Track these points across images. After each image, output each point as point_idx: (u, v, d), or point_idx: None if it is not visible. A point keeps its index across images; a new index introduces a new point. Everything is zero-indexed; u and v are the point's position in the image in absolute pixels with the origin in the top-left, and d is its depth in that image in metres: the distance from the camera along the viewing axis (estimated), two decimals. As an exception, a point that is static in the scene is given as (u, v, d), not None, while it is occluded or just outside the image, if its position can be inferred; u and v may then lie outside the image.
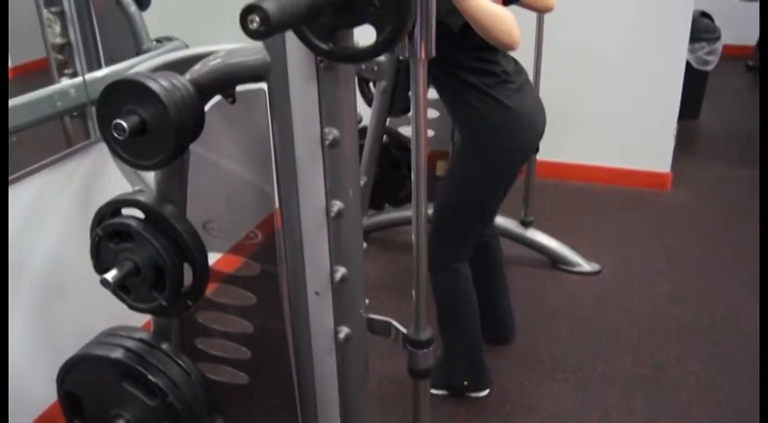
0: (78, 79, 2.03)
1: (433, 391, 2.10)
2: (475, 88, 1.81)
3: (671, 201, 3.49)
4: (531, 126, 1.91)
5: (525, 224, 2.88)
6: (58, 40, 2.03)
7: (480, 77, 1.80)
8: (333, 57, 0.87)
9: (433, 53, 0.94)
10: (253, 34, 0.68)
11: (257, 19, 0.68)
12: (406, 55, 0.93)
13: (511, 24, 1.62)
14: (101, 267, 1.02)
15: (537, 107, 1.95)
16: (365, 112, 2.18)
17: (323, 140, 0.98)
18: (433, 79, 1.93)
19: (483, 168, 1.92)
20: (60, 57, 2.05)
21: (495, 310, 2.33)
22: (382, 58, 2.16)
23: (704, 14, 4.31)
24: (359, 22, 0.83)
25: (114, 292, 1.02)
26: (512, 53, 1.92)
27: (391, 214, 2.99)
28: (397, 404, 2.11)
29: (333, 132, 0.97)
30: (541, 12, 2.29)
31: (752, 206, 3.28)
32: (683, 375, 2.21)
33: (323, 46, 0.85)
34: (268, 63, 0.94)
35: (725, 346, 2.34)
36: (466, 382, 2.11)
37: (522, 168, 2.04)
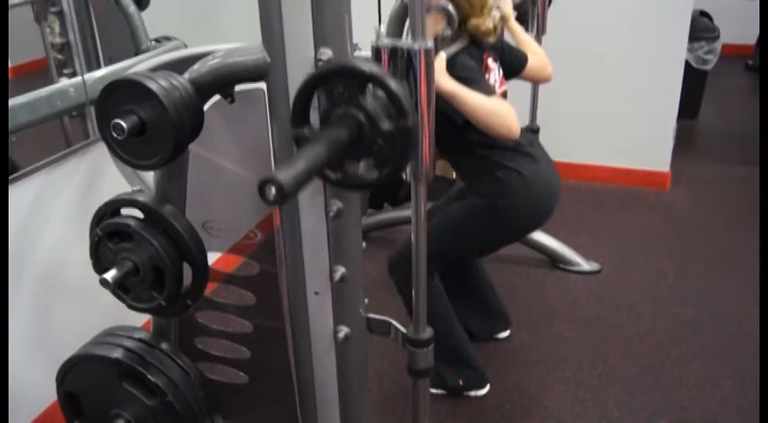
0: (77, 79, 2.03)
1: (433, 391, 2.10)
2: (494, 162, 1.86)
3: (670, 200, 3.49)
4: (548, 196, 1.96)
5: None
6: (58, 40, 2.03)
7: (497, 151, 1.84)
8: (341, 185, 0.94)
9: (432, 176, 1.02)
10: (270, 203, 0.76)
11: (273, 190, 0.74)
12: (408, 178, 1.01)
13: (508, 118, 1.69)
14: (100, 267, 1.02)
15: (553, 177, 1.99)
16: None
17: (322, 140, 0.98)
18: (450, 161, 1.95)
19: (491, 232, 1.96)
20: (60, 56, 2.05)
21: (485, 306, 2.35)
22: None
23: (703, 14, 4.30)
24: (364, 157, 0.90)
25: (113, 292, 1.02)
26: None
27: (391, 214, 2.99)
28: (396, 403, 2.11)
29: (332, 132, 0.97)
30: (541, 82, 2.37)
31: (751, 205, 3.28)
32: (683, 374, 2.21)
33: (332, 176, 0.92)
34: (267, 63, 0.94)
35: (725, 345, 2.34)
36: (461, 382, 2.11)
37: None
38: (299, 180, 0.76)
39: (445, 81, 1.63)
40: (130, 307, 1.04)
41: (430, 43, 0.93)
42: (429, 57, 0.93)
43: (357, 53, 1.02)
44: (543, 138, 2.73)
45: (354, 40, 0.98)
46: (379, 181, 0.90)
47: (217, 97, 0.97)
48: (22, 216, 1.84)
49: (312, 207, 1.03)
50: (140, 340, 1.11)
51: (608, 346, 2.36)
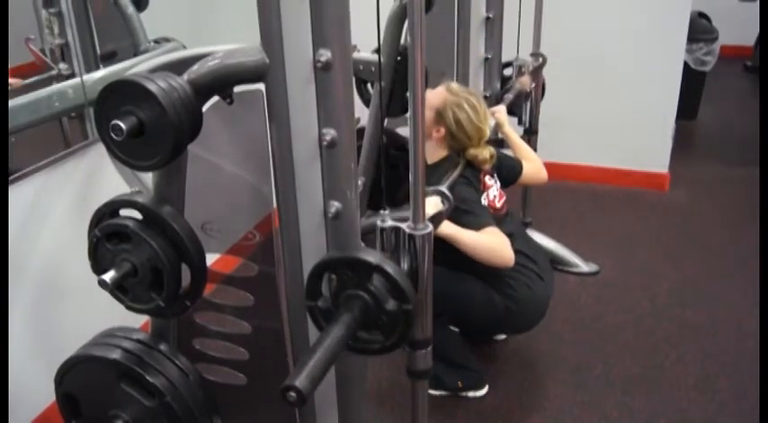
0: (76, 80, 2.03)
1: (432, 392, 2.10)
2: (506, 276, 1.96)
3: (669, 201, 3.49)
4: (541, 313, 2.09)
5: (524, 225, 2.88)
6: (57, 41, 2.03)
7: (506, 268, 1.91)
8: (352, 351, 1.04)
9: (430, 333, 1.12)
10: (291, 405, 0.85)
11: (294, 395, 0.84)
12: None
13: (500, 251, 1.83)
14: (98, 268, 1.02)
15: (549, 292, 2.11)
16: (363, 113, 2.18)
17: (321, 141, 0.98)
18: (466, 271, 2.03)
19: (484, 316, 2.02)
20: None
21: None
22: (378, 58, 2.16)
23: (702, 15, 4.31)
24: (370, 330, 1.01)
25: (112, 293, 1.02)
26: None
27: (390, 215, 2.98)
28: (395, 405, 2.10)
29: (330, 133, 0.97)
30: (537, 185, 2.50)
31: (750, 206, 3.29)
32: (682, 375, 2.21)
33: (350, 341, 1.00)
34: (266, 64, 0.94)
35: (724, 346, 2.34)
36: (460, 383, 2.12)
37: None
38: (315, 382, 0.87)
39: (443, 227, 1.73)
40: (129, 308, 1.04)
41: (429, 228, 1.04)
42: (429, 239, 1.04)
43: (356, 54, 1.02)
44: (543, 139, 2.74)
45: (353, 42, 0.98)
46: (381, 351, 1.03)
47: (216, 98, 0.97)
48: (21, 217, 1.84)
49: (311, 208, 1.04)
50: (139, 341, 1.11)
51: (607, 347, 2.36)
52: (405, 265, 1.05)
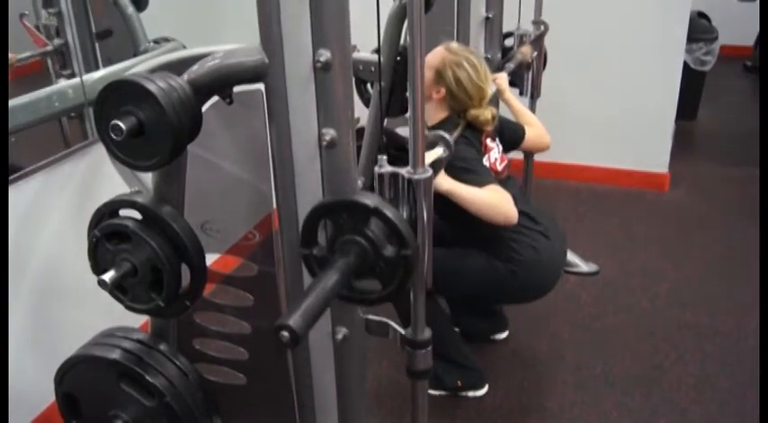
0: (76, 80, 2.03)
1: (432, 392, 2.10)
2: (509, 236, 1.90)
3: (669, 201, 3.49)
4: (554, 274, 2.01)
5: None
6: (56, 41, 2.03)
7: (509, 227, 1.86)
8: (349, 301, 1.01)
9: (431, 284, 1.10)
10: (284, 346, 0.82)
11: (287, 334, 0.81)
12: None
13: (504, 208, 1.77)
14: (98, 268, 1.02)
15: (561, 253, 2.04)
16: (363, 113, 2.18)
17: (320, 141, 0.98)
18: (463, 235, 2.00)
19: (488, 288, 1.98)
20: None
21: (484, 307, 2.35)
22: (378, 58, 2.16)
23: (701, 15, 4.31)
24: (368, 277, 0.97)
25: (111, 293, 1.02)
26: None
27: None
28: (394, 404, 2.10)
29: (330, 133, 0.97)
30: (539, 152, 2.42)
31: (750, 206, 3.29)
32: (682, 375, 2.21)
33: (342, 292, 0.97)
34: (265, 64, 0.94)
35: (724, 346, 2.34)
36: (459, 383, 2.12)
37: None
38: (309, 322, 0.83)
39: (442, 181, 1.69)
40: (128, 308, 1.04)
41: (429, 172, 1.00)
42: (429, 184, 1.00)
43: (356, 54, 1.02)
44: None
45: (353, 42, 0.98)
46: (380, 299, 0.99)
47: (215, 98, 0.97)
48: (20, 217, 1.84)
49: (310, 208, 1.03)
50: (138, 341, 1.11)
51: (607, 347, 2.36)
52: (404, 215, 1.01)
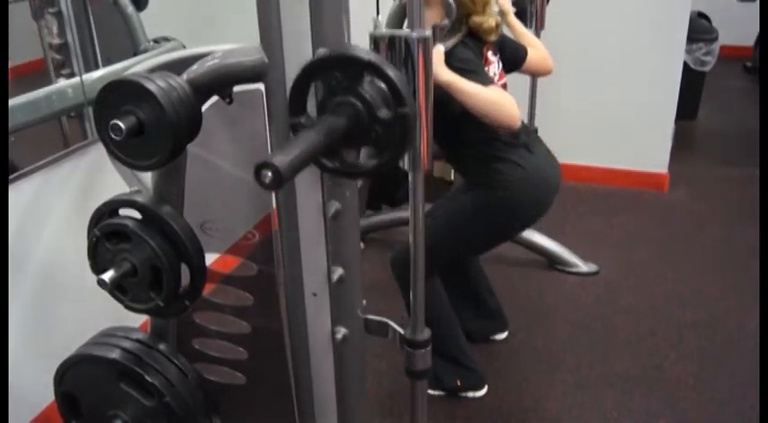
0: (76, 80, 2.03)
1: (431, 392, 2.10)
2: (492, 155, 1.86)
3: (668, 201, 3.49)
4: (547, 186, 1.95)
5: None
6: (56, 41, 2.03)
7: (495, 143, 1.84)
8: (339, 173, 0.93)
9: (430, 166, 1.04)
10: (266, 187, 0.76)
11: (269, 174, 0.75)
12: (405, 166, 1.02)
13: (507, 107, 1.67)
14: (98, 268, 1.02)
15: (550, 166, 1.98)
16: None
17: (320, 140, 0.98)
18: (448, 154, 1.95)
19: (491, 225, 1.94)
20: (58, 57, 2.05)
21: (484, 307, 2.35)
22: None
23: (701, 15, 4.31)
24: (362, 144, 0.90)
25: (111, 293, 1.02)
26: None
27: (388, 215, 2.99)
28: (394, 404, 2.10)
29: (330, 132, 0.97)
30: (542, 75, 2.33)
31: (749, 206, 3.29)
32: (681, 376, 2.21)
33: (329, 164, 0.91)
34: (265, 63, 0.94)
35: (724, 347, 2.34)
36: (459, 383, 2.11)
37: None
38: (295, 165, 0.77)
39: (442, 71, 1.62)
40: (128, 308, 1.04)
41: (428, 32, 0.93)
42: (427, 45, 0.93)
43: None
44: (542, 139, 2.73)
45: (353, 42, 0.98)
46: (377, 168, 0.90)
47: (215, 98, 0.97)
48: (20, 217, 1.84)
49: (310, 208, 1.04)
50: (138, 341, 1.11)
51: (606, 347, 2.36)
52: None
